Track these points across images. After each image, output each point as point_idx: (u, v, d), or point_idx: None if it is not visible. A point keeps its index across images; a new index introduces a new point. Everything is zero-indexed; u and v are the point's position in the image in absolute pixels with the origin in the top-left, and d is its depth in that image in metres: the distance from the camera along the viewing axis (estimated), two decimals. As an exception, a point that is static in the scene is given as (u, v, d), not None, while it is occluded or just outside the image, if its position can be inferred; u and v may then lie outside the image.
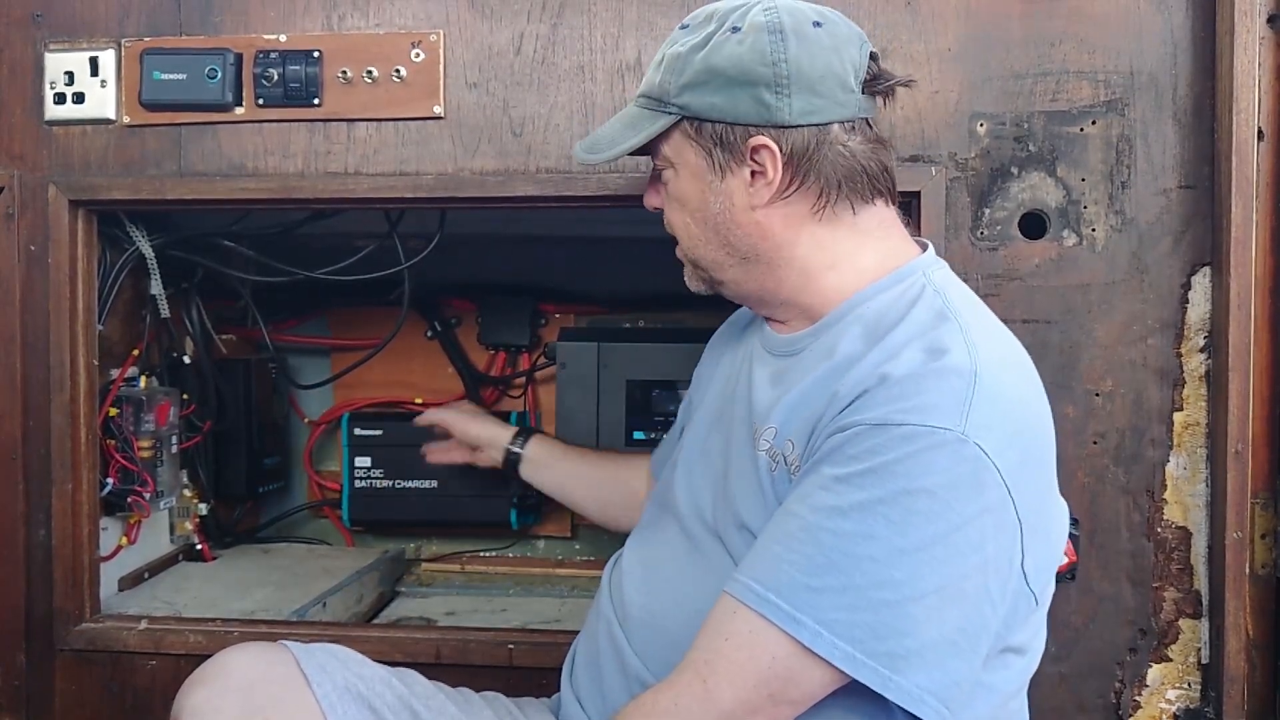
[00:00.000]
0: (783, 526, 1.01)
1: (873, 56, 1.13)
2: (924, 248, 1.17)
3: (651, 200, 1.23)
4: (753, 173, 1.10)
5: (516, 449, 1.65)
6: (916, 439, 0.95)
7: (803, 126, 1.08)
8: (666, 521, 1.23)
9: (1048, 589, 1.08)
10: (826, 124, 1.09)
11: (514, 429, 1.68)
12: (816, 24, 1.09)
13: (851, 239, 1.13)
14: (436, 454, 1.79)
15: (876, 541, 0.95)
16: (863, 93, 1.11)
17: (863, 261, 1.13)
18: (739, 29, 1.09)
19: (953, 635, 0.96)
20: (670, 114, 1.13)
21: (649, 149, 1.17)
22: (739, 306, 1.37)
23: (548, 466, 1.64)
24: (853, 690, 0.98)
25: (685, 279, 1.23)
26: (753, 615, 0.98)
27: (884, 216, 1.15)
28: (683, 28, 1.15)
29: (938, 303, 1.07)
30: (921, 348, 1.01)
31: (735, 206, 1.12)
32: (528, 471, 1.65)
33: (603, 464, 1.63)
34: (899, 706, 0.96)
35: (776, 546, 1.00)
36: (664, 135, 1.14)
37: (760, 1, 1.11)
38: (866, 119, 1.12)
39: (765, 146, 1.09)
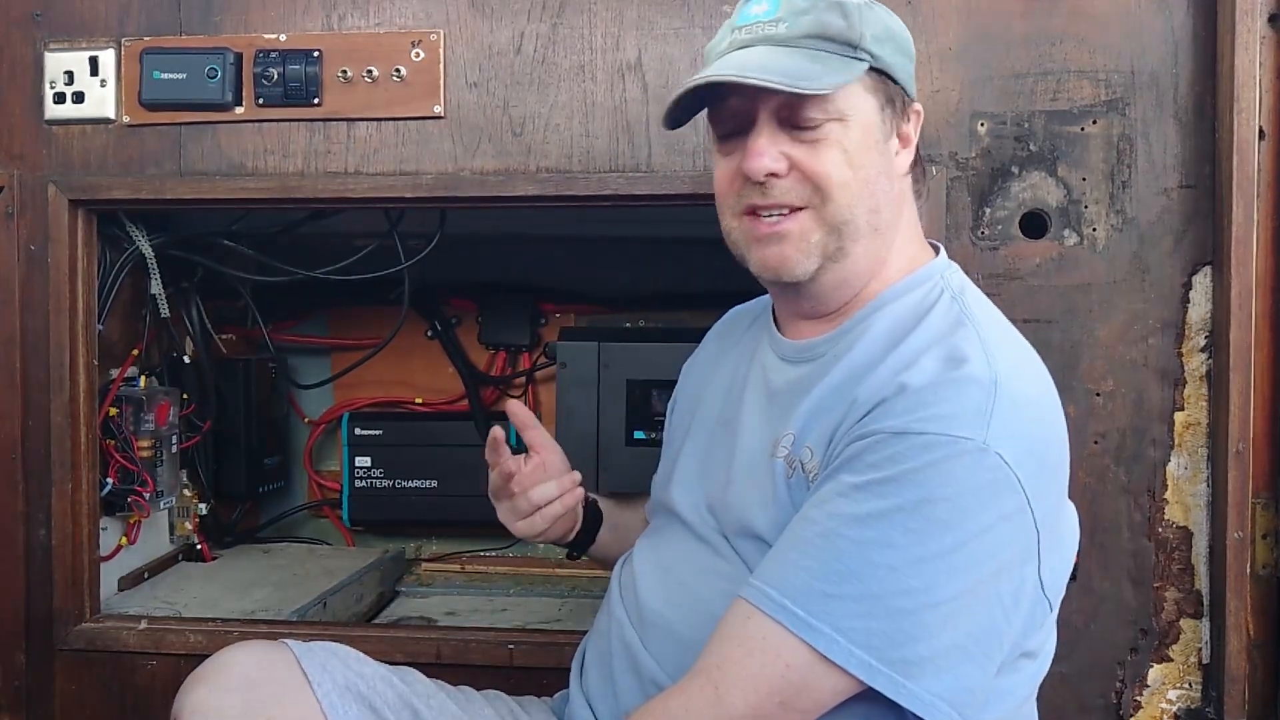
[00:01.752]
0: (800, 533, 1.00)
1: None
2: (936, 249, 1.17)
3: (771, 162, 1.06)
4: (900, 139, 1.12)
5: (591, 504, 1.41)
6: (937, 448, 0.95)
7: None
8: (675, 528, 1.22)
9: (1060, 593, 1.08)
10: None
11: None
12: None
13: (912, 227, 1.16)
14: (522, 501, 1.35)
15: (895, 550, 0.94)
16: None
17: (910, 253, 1.14)
18: (849, 4, 1.09)
19: (966, 642, 0.96)
20: (862, 60, 1.06)
21: (805, 98, 1.05)
22: (726, 315, 1.37)
23: (614, 523, 1.42)
24: (865, 698, 0.97)
25: (792, 254, 1.08)
26: (768, 621, 0.97)
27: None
28: None
29: (954, 309, 1.07)
30: (940, 355, 1.00)
31: (891, 169, 1.11)
32: (603, 530, 1.41)
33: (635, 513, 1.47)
34: (912, 713, 0.96)
35: (793, 553, 0.99)
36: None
37: None
38: None
39: (918, 113, 1.13)
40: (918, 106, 1.13)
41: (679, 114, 1.14)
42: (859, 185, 1.07)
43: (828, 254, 1.08)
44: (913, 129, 1.13)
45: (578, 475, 1.35)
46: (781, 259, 1.08)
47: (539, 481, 1.33)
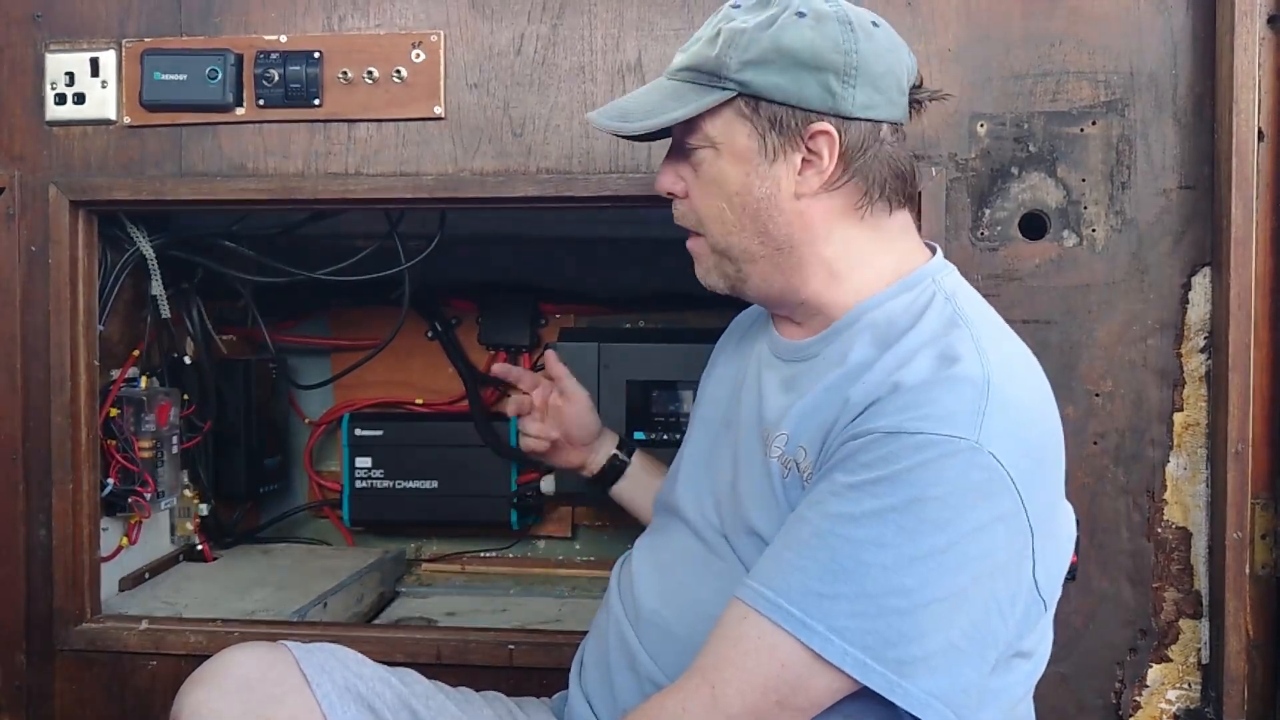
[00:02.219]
0: (795, 533, 1.00)
1: None
2: (933, 251, 1.17)
3: (669, 184, 1.16)
4: (803, 160, 1.09)
5: (624, 456, 1.55)
6: (930, 447, 0.95)
7: (861, 120, 1.08)
8: (675, 527, 1.22)
9: (1056, 593, 1.08)
10: (879, 122, 1.09)
11: (616, 436, 1.57)
12: (875, 24, 1.10)
13: (878, 241, 1.13)
14: (531, 423, 1.55)
15: (889, 549, 0.94)
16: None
17: (881, 264, 1.13)
18: (804, 14, 1.07)
19: (961, 641, 0.96)
20: (726, 90, 1.08)
21: (684, 127, 1.12)
22: (742, 308, 1.37)
23: (644, 483, 1.53)
24: (860, 697, 0.98)
25: (702, 274, 1.18)
26: (763, 621, 0.98)
27: (906, 221, 1.16)
28: (734, 6, 1.12)
29: (948, 309, 1.07)
30: (933, 355, 1.01)
31: (780, 192, 1.10)
32: (623, 486, 1.55)
33: None
34: (907, 713, 0.96)
35: (788, 553, 1.00)
36: (710, 112, 1.10)
37: None
38: (903, 125, 1.13)
39: (826, 133, 1.07)
40: (823, 126, 1.07)
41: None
42: (733, 212, 1.11)
43: (727, 275, 1.15)
44: (829, 144, 1.08)
45: (571, 453, 1.55)
46: (698, 271, 1.18)
47: (538, 420, 1.55)
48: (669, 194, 1.17)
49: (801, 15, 1.07)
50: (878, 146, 1.09)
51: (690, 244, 1.17)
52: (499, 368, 1.68)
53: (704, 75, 1.10)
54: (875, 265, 1.13)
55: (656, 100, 1.12)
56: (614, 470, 1.55)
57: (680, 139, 1.14)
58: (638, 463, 1.55)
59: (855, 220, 1.11)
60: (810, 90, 1.07)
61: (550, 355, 1.58)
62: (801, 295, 1.14)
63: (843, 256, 1.12)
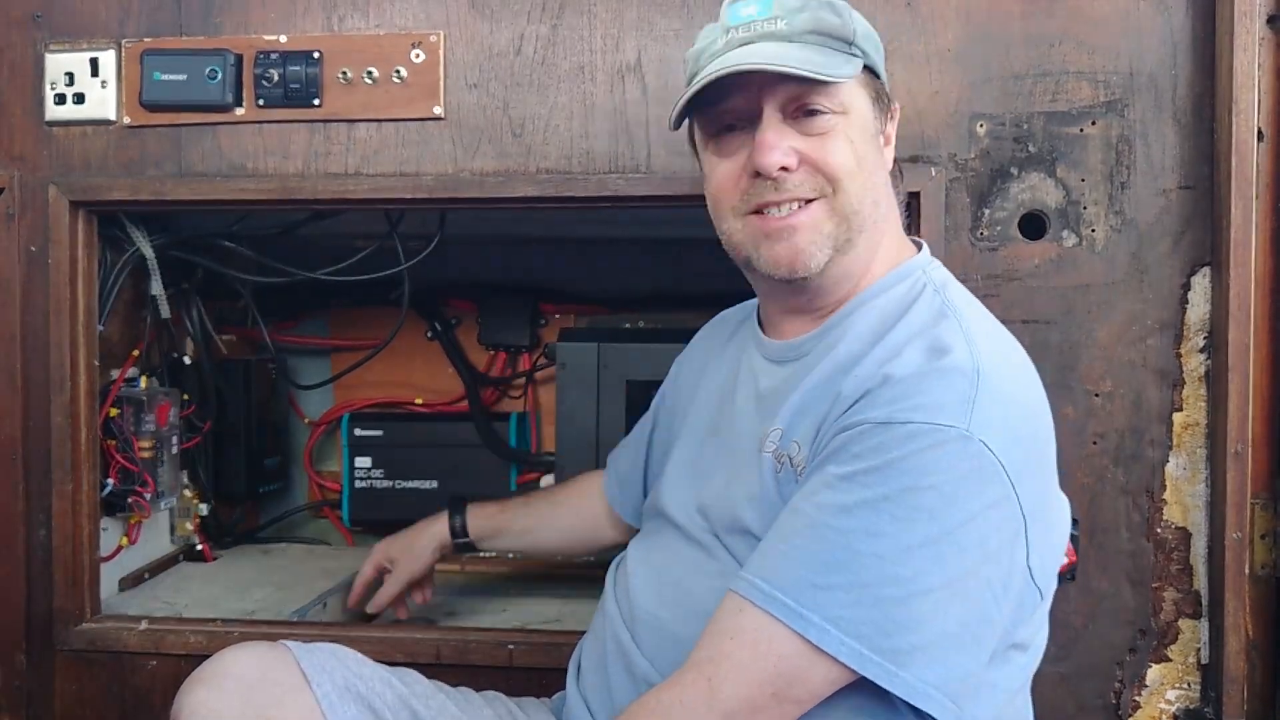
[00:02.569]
0: (789, 524, 1.01)
1: None
2: (918, 246, 1.18)
3: (782, 157, 1.06)
4: (884, 136, 1.14)
5: (458, 523, 1.63)
6: (921, 437, 0.95)
7: None
8: (665, 530, 1.23)
9: (1051, 583, 1.08)
10: None
11: (441, 517, 1.65)
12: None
13: (893, 226, 1.16)
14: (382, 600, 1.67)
15: (882, 538, 0.95)
16: None
17: (883, 254, 1.14)
18: (839, 3, 1.11)
19: (957, 630, 0.96)
20: (857, 57, 1.09)
21: (811, 92, 1.06)
22: (713, 320, 1.38)
23: (497, 533, 1.64)
24: (857, 688, 0.98)
25: (808, 249, 1.08)
26: (759, 613, 0.98)
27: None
28: None
29: (937, 301, 1.08)
30: (923, 346, 1.01)
31: (882, 163, 1.14)
32: (484, 546, 1.67)
33: (552, 505, 1.64)
34: (905, 703, 0.96)
35: (782, 545, 1.00)
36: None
37: None
38: None
39: (896, 112, 1.16)
40: (896, 106, 1.17)
41: (684, 112, 1.14)
42: (864, 176, 1.09)
43: (838, 245, 1.09)
44: (893, 128, 1.15)
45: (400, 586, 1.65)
46: (794, 253, 1.08)
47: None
48: (781, 170, 1.07)
49: (834, 4, 1.11)
50: None
51: (802, 217, 1.08)
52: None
53: (835, 41, 1.08)
54: (890, 249, 1.15)
55: (811, 55, 1.06)
56: (461, 547, 1.66)
57: (802, 105, 1.07)
58: (476, 526, 1.63)
59: (895, 203, 1.17)
60: (884, 71, 1.14)
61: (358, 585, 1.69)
62: (853, 279, 1.13)
63: (887, 237, 1.15)
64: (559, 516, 1.62)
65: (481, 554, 2.25)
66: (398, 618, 1.67)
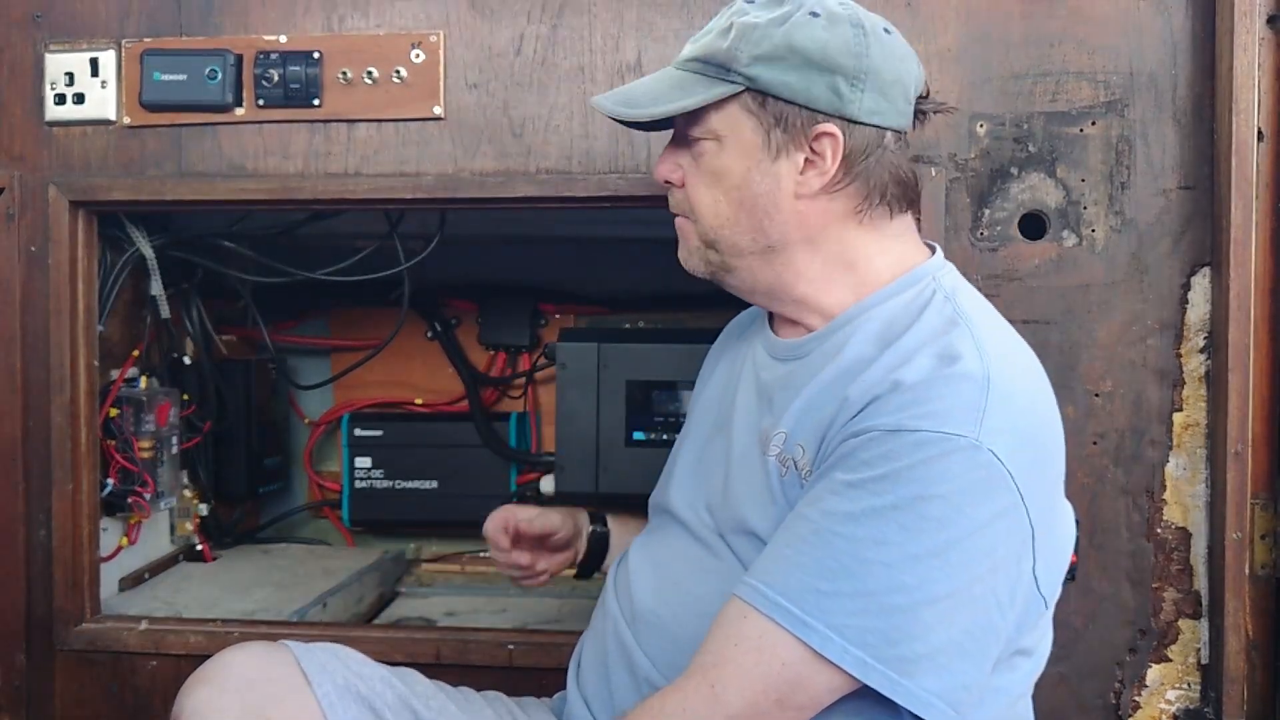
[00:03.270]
0: (794, 531, 1.00)
1: None
2: (932, 250, 1.17)
3: (668, 171, 1.16)
4: (806, 160, 1.08)
5: (602, 526, 1.45)
6: (930, 445, 0.95)
7: (866, 125, 1.07)
8: (671, 527, 1.22)
9: (1056, 591, 1.08)
10: (885, 128, 1.09)
11: (584, 510, 1.47)
12: (887, 30, 1.10)
13: (877, 243, 1.12)
14: (516, 565, 1.42)
15: (889, 547, 0.94)
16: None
17: (878, 265, 1.12)
18: (818, 15, 1.07)
19: (962, 639, 0.96)
20: (734, 83, 1.08)
21: (688, 117, 1.11)
22: (742, 308, 1.37)
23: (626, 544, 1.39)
24: (860, 695, 0.97)
25: (684, 256, 1.17)
26: (763, 619, 0.98)
27: (907, 224, 1.15)
28: (748, 1, 1.11)
29: (948, 308, 1.07)
30: (933, 354, 1.01)
31: (780, 191, 1.09)
32: (612, 555, 1.45)
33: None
34: (908, 711, 0.96)
35: (788, 550, 1.00)
36: (716, 105, 1.09)
37: None
38: (907, 134, 1.12)
39: (830, 135, 1.07)
40: (828, 128, 1.06)
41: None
42: (729, 206, 1.11)
43: (710, 263, 1.15)
44: (833, 147, 1.07)
45: (561, 559, 1.43)
46: (681, 254, 1.18)
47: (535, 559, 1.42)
48: (666, 182, 1.16)
49: (815, 15, 1.07)
50: (880, 153, 1.09)
51: (679, 222, 1.17)
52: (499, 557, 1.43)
53: (713, 67, 1.09)
54: (874, 265, 1.12)
55: (664, 89, 1.12)
56: (600, 544, 1.45)
57: (683, 129, 1.13)
58: (614, 528, 1.46)
59: (854, 223, 1.11)
60: (818, 90, 1.06)
61: (521, 524, 1.39)
62: (795, 293, 1.13)
63: (838, 258, 1.12)
64: None
65: (482, 554, 2.26)
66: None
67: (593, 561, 1.45)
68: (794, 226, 1.10)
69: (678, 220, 1.17)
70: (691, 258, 1.17)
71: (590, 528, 1.45)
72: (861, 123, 1.07)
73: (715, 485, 1.17)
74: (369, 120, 1.53)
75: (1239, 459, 1.36)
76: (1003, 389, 0.98)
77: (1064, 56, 1.42)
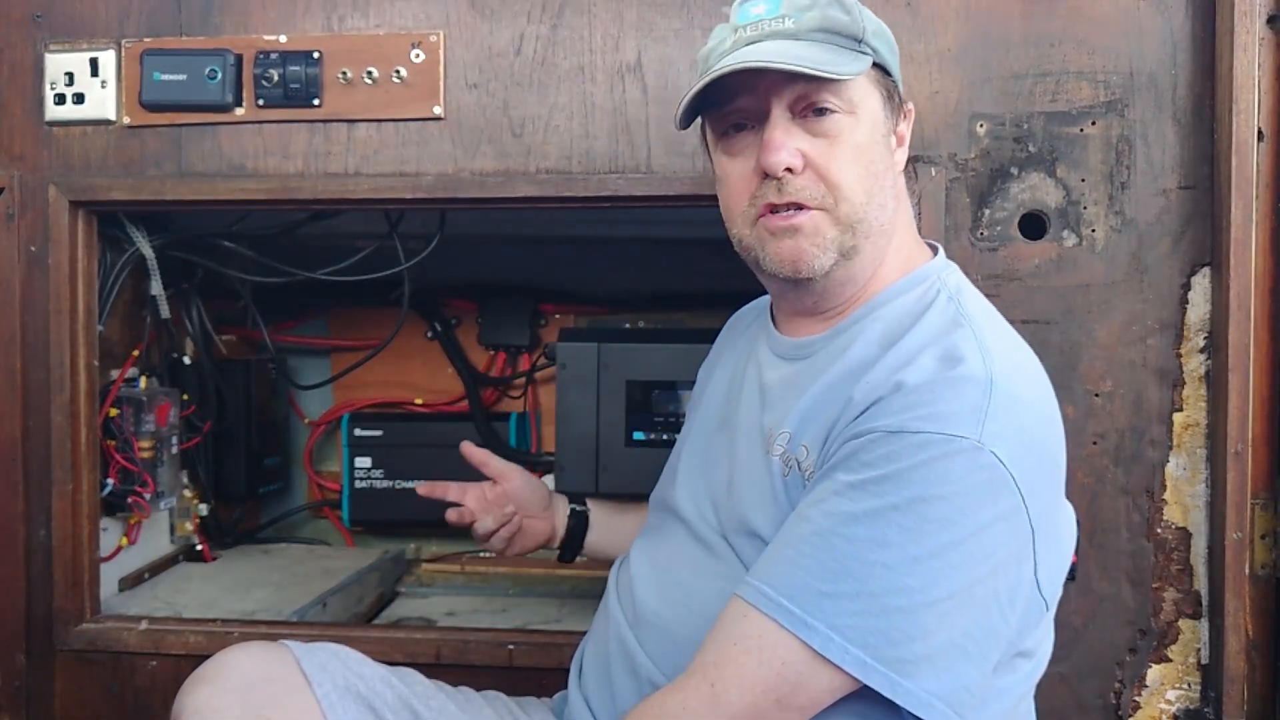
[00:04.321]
0: (796, 531, 1.00)
1: None
2: (934, 249, 1.17)
3: (789, 156, 1.05)
4: (897, 136, 1.13)
5: (582, 506, 1.49)
6: (932, 447, 0.95)
7: None
8: (672, 526, 1.22)
9: (1057, 593, 1.08)
10: None
11: (564, 497, 1.52)
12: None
13: (905, 229, 1.15)
14: (483, 522, 1.45)
15: (890, 548, 0.94)
16: None
17: (894, 258, 1.13)
18: (848, 3, 1.10)
19: (963, 641, 0.96)
20: (865, 54, 1.07)
21: (823, 89, 1.05)
22: (740, 307, 1.37)
23: (607, 526, 1.50)
24: (860, 696, 0.97)
25: (811, 252, 1.07)
26: (764, 619, 0.98)
27: (911, 216, 1.19)
28: None
29: (951, 309, 1.07)
30: (936, 355, 1.01)
31: (894, 167, 1.12)
32: (596, 535, 1.49)
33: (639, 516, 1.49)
34: (908, 712, 0.96)
35: (789, 551, 0.99)
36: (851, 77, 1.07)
37: None
38: None
39: (911, 113, 1.14)
40: (910, 106, 1.15)
41: (690, 111, 1.13)
42: (869, 181, 1.07)
43: (843, 250, 1.08)
44: (906, 128, 1.14)
45: (512, 510, 1.45)
46: (798, 253, 1.08)
47: (488, 512, 1.45)
48: (787, 170, 1.06)
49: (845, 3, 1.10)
50: None
51: (803, 219, 1.07)
52: (423, 488, 1.51)
53: (844, 39, 1.07)
54: (902, 253, 1.14)
55: (818, 54, 1.04)
56: (580, 522, 1.48)
57: (811, 104, 1.06)
58: (597, 509, 1.50)
59: (908, 205, 1.16)
60: (897, 69, 1.13)
61: (465, 446, 1.49)
62: (858, 284, 1.12)
63: (899, 241, 1.14)
64: None
65: (482, 554, 2.26)
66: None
67: (573, 542, 1.50)
68: (896, 204, 1.12)
69: (798, 217, 1.07)
70: (824, 253, 1.07)
71: (570, 507, 1.49)
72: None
73: (719, 484, 1.17)
74: (369, 120, 1.53)
75: (1239, 459, 1.36)
76: (1005, 391, 0.98)
77: (1064, 56, 1.42)
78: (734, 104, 1.09)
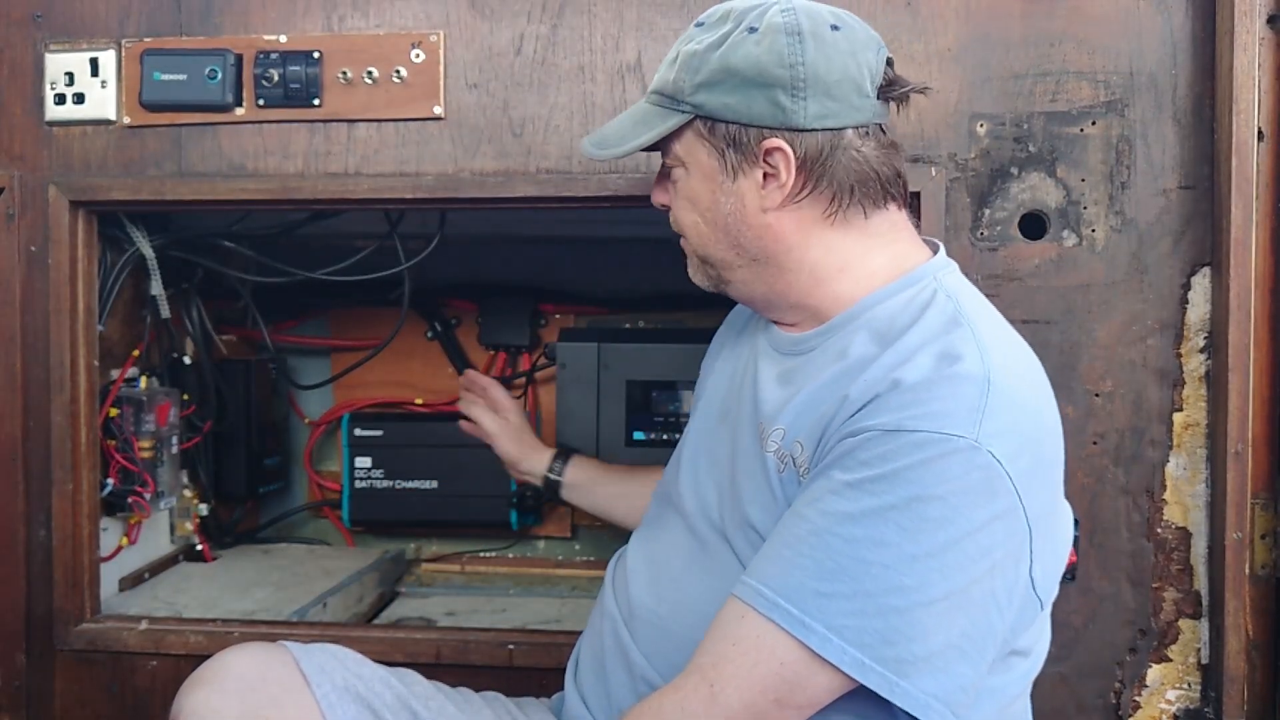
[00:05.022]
0: (792, 530, 1.00)
1: (889, 62, 1.12)
2: (934, 249, 1.17)
3: (659, 198, 1.22)
4: (765, 175, 1.10)
5: (555, 476, 1.63)
6: (929, 446, 0.95)
7: (817, 130, 1.08)
8: (671, 519, 1.22)
9: (1053, 592, 1.08)
10: (841, 128, 1.08)
11: (552, 451, 1.66)
12: (834, 27, 1.09)
13: (862, 242, 1.12)
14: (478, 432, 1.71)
15: (887, 548, 0.94)
16: (878, 98, 1.10)
17: (873, 265, 1.12)
18: (756, 29, 1.08)
19: (960, 640, 0.96)
20: (683, 112, 1.12)
21: (660, 146, 1.16)
22: (738, 305, 1.37)
23: (588, 491, 1.62)
24: (857, 696, 0.97)
25: (690, 273, 1.22)
26: (761, 620, 0.98)
27: (895, 220, 1.14)
28: (698, 25, 1.14)
29: (950, 308, 1.07)
30: (934, 353, 1.00)
31: (746, 208, 1.11)
32: (569, 495, 1.63)
33: (644, 480, 1.54)
34: (904, 711, 0.96)
35: (786, 550, 0.99)
36: (676, 133, 1.13)
37: (778, 2, 1.10)
38: (880, 124, 1.11)
39: (779, 149, 1.08)
40: (775, 142, 1.08)
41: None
42: (707, 226, 1.15)
43: (710, 278, 1.19)
44: (784, 159, 1.08)
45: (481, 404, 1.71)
46: (689, 272, 1.22)
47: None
48: (662, 206, 1.22)
49: (751, 31, 1.08)
50: (841, 153, 1.08)
51: (682, 243, 1.21)
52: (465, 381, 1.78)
53: (666, 98, 1.14)
54: (865, 265, 1.12)
55: (629, 126, 1.18)
56: (551, 490, 1.64)
57: (661, 158, 1.19)
58: (584, 471, 1.63)
59: (828, 226, 1.11)
60: (760, 107, 1.08)
61: (469, 373, 1.77)
62: (789, 299, 1.15)
63: (824, 261, 1.12)
64: (646, 488, 1.50)
65: (482, 554, 2.26)
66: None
67: (536, 498, 1.73)
68: (770, 239, 1.12)
69: (682, 242, 1.21)
70: (696, 275, 1.22)
71: (545, 472, 1.64)
72: (811, 129, 1.08)
73: (721, 480, 1.17)
74: (369, 120, 1.53)
75: (1239, 459, 1.36)
76: (1003, 390, 0.98)
77: (1064, 56, 1.42)
78: None
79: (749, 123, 1.08)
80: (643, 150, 1.17)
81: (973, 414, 0.96)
